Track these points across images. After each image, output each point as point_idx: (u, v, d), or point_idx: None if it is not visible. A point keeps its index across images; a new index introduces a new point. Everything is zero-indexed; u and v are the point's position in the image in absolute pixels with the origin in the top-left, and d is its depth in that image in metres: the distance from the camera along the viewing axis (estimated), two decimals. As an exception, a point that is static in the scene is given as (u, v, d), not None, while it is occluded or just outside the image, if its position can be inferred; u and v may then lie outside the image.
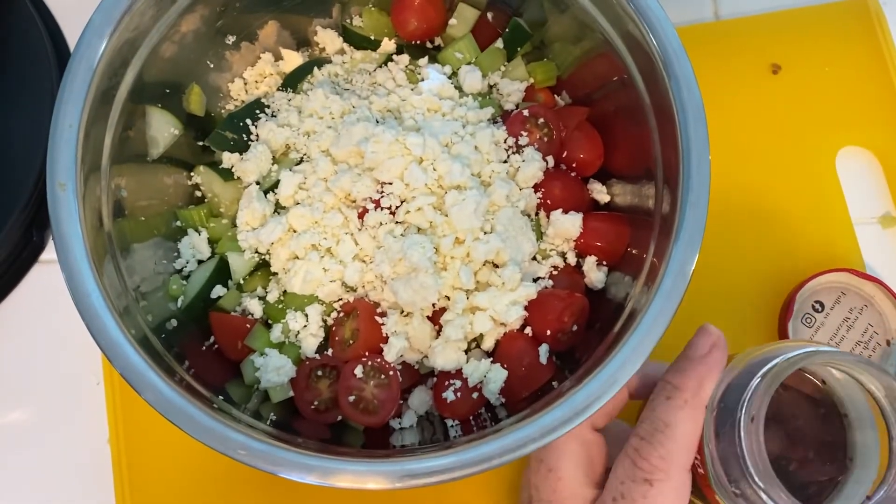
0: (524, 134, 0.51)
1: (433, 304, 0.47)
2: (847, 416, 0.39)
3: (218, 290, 0.49)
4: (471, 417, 0.48)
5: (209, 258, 0.51)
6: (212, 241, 0.51)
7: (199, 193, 0.53)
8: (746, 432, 0.36)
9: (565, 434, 0.39)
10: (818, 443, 0.39)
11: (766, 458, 0.35)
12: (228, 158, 0.52)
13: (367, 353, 0.47)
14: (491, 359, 0.48)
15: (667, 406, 0.39)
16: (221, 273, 0.50)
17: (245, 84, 0.55)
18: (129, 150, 0.46)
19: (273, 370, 0.46)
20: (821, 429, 0.40)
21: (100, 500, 0.55)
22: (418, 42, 0.56)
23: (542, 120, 0.51)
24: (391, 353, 0.46)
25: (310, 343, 0.48)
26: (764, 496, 0.35)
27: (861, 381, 0.37)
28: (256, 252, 0.50)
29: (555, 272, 0.50)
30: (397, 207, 0.48)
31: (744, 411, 0.36)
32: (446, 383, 0.47)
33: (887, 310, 0.55)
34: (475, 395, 0.47)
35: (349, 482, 0.37)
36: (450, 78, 0.53)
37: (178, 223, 0.51)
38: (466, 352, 0.48)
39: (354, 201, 0.49)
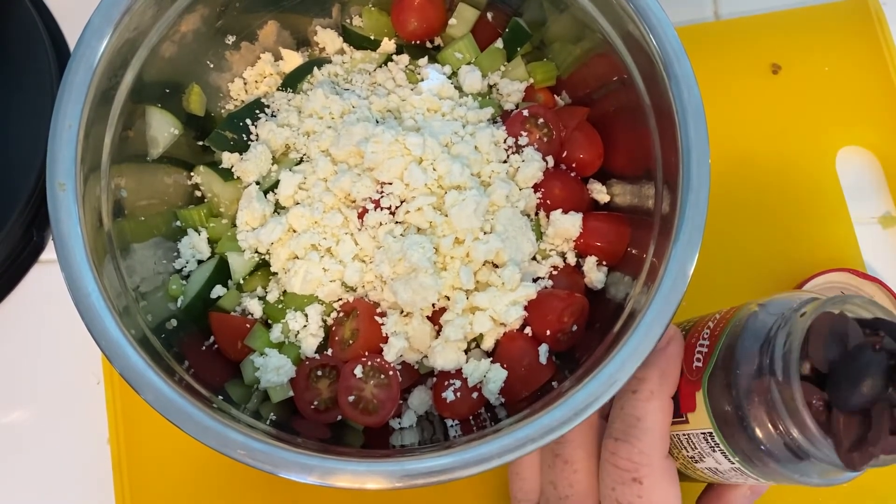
0: (524, 134, 0.51)
1: (433, 304, 0.47)
2: None
3: (218, 290, 0.49)
4: (470, 417, 0.48)
5: (209, 258, 0.51)
6: (211, 241, 0.51)
7: (198, 193, 0.53)
8: (785, 374, 0.34)
9: (578, 425, 0.39)
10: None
11: (803, 398, 0.33)
12: (228, 158, 0.52)
13: (366, 353, 0.47)
14: (491, 359, 0.48)
15: (634, 400, 0.40)
16: (221, 273, 0.50)
17: (245, 84, 0.55)
18: (129, 150, 0.46)
19: (273, 370, 0.46)
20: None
21: (100, 500, 0.55)
22: (418, 42, 0.56)
23: (541, 120, 0.51)
24: (391, 353, 0.46)
25: (309, 343, 0.48)
26: (798, 435, 0.34)
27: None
28: (256, 252, 0.50)
29: (555, 272, 0.50)
30: (397, 207, 0.48)
31: (783, 354, 0.35)
32: (446, 383, 0.47)
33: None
34: (475, 395, 0.47)
35: (349, 482, 0.37)
36: (450, 78, 0.53)
37: (178, 223, 0.51)
38: (466, 352, 0.48)
39: (354, 201, 0.49)
